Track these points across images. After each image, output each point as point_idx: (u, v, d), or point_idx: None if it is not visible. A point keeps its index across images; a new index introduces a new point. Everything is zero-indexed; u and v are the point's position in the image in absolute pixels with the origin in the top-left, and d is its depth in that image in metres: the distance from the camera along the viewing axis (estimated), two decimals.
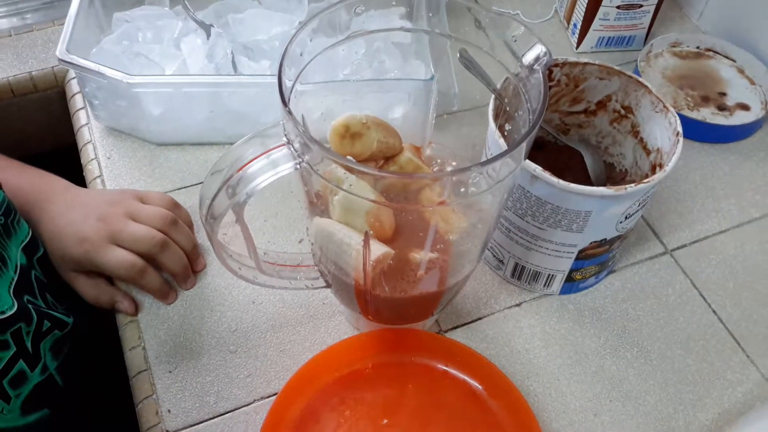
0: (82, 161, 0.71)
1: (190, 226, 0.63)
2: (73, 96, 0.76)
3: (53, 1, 0.86)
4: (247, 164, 0.42)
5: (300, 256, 0.52)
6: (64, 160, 0.76)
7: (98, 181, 0.68)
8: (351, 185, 0.41)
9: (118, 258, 0.57)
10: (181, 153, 0.70)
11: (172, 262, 0.58)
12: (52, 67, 0.77)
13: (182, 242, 0.59)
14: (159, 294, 0.58)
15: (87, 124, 0.73)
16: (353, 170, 0.39)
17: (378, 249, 0.45)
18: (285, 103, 0.39)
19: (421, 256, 0.47)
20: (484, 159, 0.55)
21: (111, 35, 0.69)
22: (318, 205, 0.47)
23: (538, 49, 0.42)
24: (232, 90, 0.64)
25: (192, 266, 0.60)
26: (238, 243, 0.46)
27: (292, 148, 0.40)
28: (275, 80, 0.40)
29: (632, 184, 0.50)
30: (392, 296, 0.50)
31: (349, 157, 0.45)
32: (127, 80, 0.62)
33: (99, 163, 0.69)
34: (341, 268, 0.48)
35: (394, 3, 0.49)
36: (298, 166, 0.41)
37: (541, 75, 0.41)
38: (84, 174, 0.70)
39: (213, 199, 0.41)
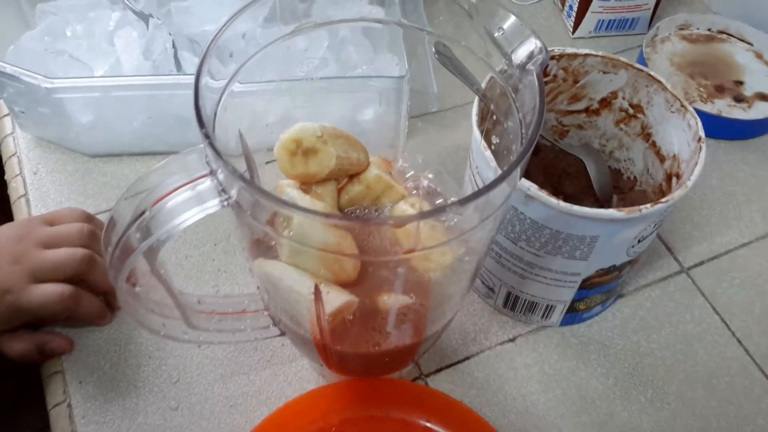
0: (6, 177, 0.61)
1: None
2: None
3: None
4: (162, 198, 0.32)
5: (245, 300, 0.43)
6: None
7: (23, 201, 0.58)
8: (294, 222, 0.32)
9: (46, 293, 0.48)
10: (117, 165, 0.60)
11: (103, 278, 0.49)
12: None
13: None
14: (98, 316, 0.50)
15: (12, 133, 0.63)
16: (298, 213, 0.30)
17: (335, 299, 0.36)
18: (202, 124, 0.30)
19: (391, 301, 0.38)
20: (468, 168, 0.46)
21: (32, 31, 0.59)
22: (264, 243, 0.38)
23: (532, 45, 0.33)
24: (171, 92, 0.54)
25: None
26: (159, 293, 0.37)
27: (216, 181, 0.31)
28: None
29: (647, 205, 0.41)
30: (359, 351, 0.41)
31: (291, 189, 0.36)
32: (45, 84, 0.52)
33: (24, 180, 0.60)
34: (294, 319, 0.39)
35: None
36: (225, 203, 0.32)
37: (536, 77, 0.32)
38: (8, 192, 0.60)
39: (116, 247, 0.32)
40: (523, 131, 0.33)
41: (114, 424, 0.47)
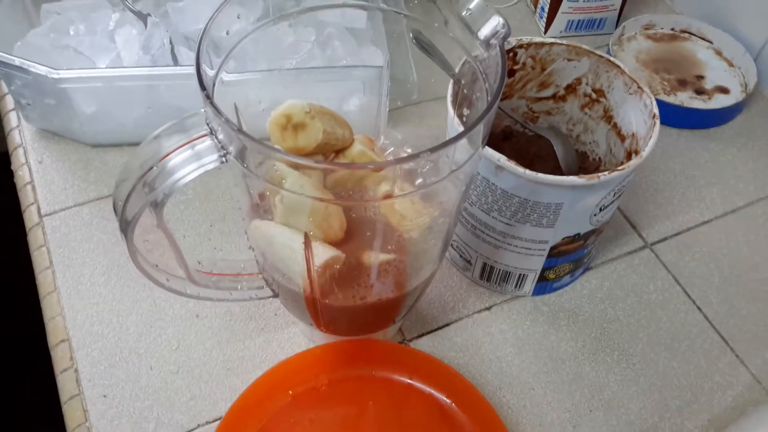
0: (12, 167, 0.65)
1: None
2: (2, 97, 0.70)
3: None
4: (165, 156, 0.36)
5: (241, 264, 0.47)
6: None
7: (29, 188, 0.62)
8: (287, 182, 0.36)
9: None
10: (118, 154, 0.64)
11: None
12: None
13: None
14: None
15: (18, 126, 0.67)
16: (287, 162, 0.34)
17: (324, 253, 0.40)
18: (203, 86, 0.34)
19: (373, 257, 0.42)
20: None
21: (38, 28, 0.63)
22: (261, 206, 0.42)
23: (495, 22, 0.37)
24: (169, 83, 0.58)
25: None
26: (165, 251, 0.41)
27: (215, 140, 0.35)
28: None
29: (605, 173, 0.45)
30: (346, 305, 0.44)
31: (277, 146, 0.40)
32: (52, 75, 0.56)
33: (30, 169, 0.63)
34: (286, 276, 0.43)
35: None
36: (224, 159, 0.35)
37: (498, 50, 0.36)
38: (15, 181, 0.64)
39: (126, 200, 0.36)
40: (488, 99, 0.38)
41: (118, 387, 0.50)
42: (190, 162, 0.35)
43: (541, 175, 0.45)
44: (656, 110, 0.49)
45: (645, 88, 0.50)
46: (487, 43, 0.38)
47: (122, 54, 0.61)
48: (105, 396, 0.50)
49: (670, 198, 0.64)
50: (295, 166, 0.35)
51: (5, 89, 0.70)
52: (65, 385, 0.51)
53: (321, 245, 0.40)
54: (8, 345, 0.61)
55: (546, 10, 0.75)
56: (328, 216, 0.41)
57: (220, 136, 0.35)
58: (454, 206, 0.42)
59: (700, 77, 0.73)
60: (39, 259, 0.58)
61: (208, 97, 0.33)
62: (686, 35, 0.77)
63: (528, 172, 0.45)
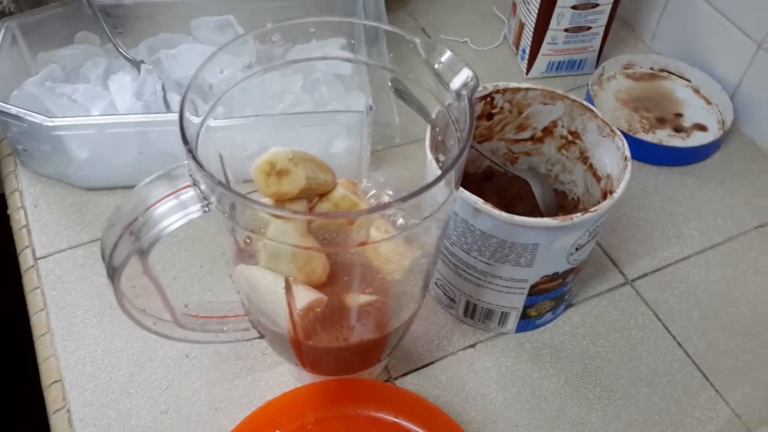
0: (8, 210, 0.67)
1: None
2: (0, 141, 0.72)
3: None
4: (152, 206, 0.38)
5: (228, 306, 0.48)
6: None
7: (24, 231, 0.64)
8: (269, 229, 0.37)
9: None
10: (111, 197, 0.66)
11: None
12: None
13: None
14: None
15: (14, 170, 0.69)
16: (265, 212, 0.36)
17: (306, 296, 0.41)
18: (186, 140, 0.35)
19: (355, 299, 0.44)
20: None
21: (34, 77, 0.65)
22: (246, 251, 0.43)
23: (465, 74, 0.39)
24: (160, 129, 0.60)
25: None
26: (153, 295, 0.42)
27: (198, 190, 0.37)
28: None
29: (578, 214, 0.46)
30: (330, 346, 0.46)
31: (257, 199, 0.42)
32: (46, 123, 0.58)
33: (25, 212, 0.65)
34: (271, 318, 0.44)
35: (312, 30, 0.45)
36: (206, 209, 0.37)
37: (467, 101, 0.38)
38: (11, 224, 0.66)
39: (113, 249, 0.37)
40: (460, 145, 0.39)
41: (109, 427, 0.51)
42: (175, 211, 0.37)
43: (516, 217, 0.46)
44: (628, 153, 0.51)
45: (617, 131, 0.52)
46: (457, 94, 0.40)
47: (116, 100, 0.63)
48: None
49: (650, 234, 0.66)
50: (273, 216, 0.36)
51: (0, 135, 0.72)
52: (57, 425, 0.52)
53: (303, 288, 0.42)
54: (2, 384, 0.62)
55: (527, 52, 0.77)
56: (311, 260, 0.43)
57: (203, 187, 0.36)
58: (434, 246, 0.44)
59: (679, 115, 0.75)
60: (33, 300, 0.59)
61: (191, 152, 0.35)
62: (665, 74, 0.79)
63: (504, 214, 0.47)
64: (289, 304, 0.41)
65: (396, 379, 0.55)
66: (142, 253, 0.38)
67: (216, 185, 0.34)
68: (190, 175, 0.37)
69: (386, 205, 0.33)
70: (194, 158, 0.34)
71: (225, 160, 0.45)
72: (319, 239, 0.45)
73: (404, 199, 0.34)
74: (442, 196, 0.37)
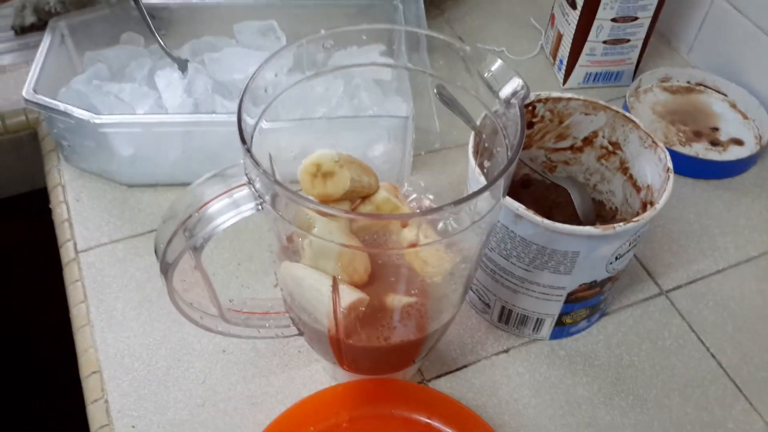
0: (51, 204, 0.68)
1: None
2: (44, 138, 0.73)
3: (29, 43, 0.84)
4: (206, 204, 0.39)
5: (269, 303, 0.49)
6: (38, 203, 0.73)
7: (66, 225, 0.65)
8: (316, 228, 0.38)
9: None
10: (152, 194, 0.67)
11: None
12: (24, 109, 0.75)
13: None
14: None
15: (57, 165, 0.70)
16: (318, 211, 0.36)
17: (350, 295, 0.42)
18: (244, 140, 0.36)
19: (397, 300, 0.44)
20: (466, 192, 0.53)
21: (81, 75, 0.67)
22: (290, 248, 0.44)
23: (515, 83, 0.40)
24: (205, 129, 0.61)
25: None
26: (199, 290, 0.43)
27: (252, 188, 0.38)
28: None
29: (621, 223, 0.47)
30: (369, 345, 0.46)
31: (309, 196, 0.43)
32: (93, 120, 0.59)
33: (68, 206, 0.66)
34: (312, 316, 0.45)
35: (364, 38, 0.46)
36: (260, 207, 0.38)
37: (518, 109, 0.39)
38: (53, 218, 0.67)
39: (168, 244, 0.38)
40: (508, 153, 0.40)
41: (146, 418, 0.52)
42: (228, 209, 0.38)
43: (558, 225, 0.47)
44: (670, 164, 0.51)
45: (659, 142, 0.52)
46: (507, 102, 0.40)
47: (164, 96, 0.65)
48: (134, 427, 0.52)
49: (685, 246, 0.66)
50: (324, 215, 0.37)
51: (45, 131, 0.73)
52: (95, 415, 0.53)
53: (347, 287, 0.43)
54: (40, 375, 0.63)
55: (565, 62, 0.78)
56: (354, 260, 0.44)
57: (257, 185, 0.37)
58: (475, 253, 0.44)
59: (715, 129, 0.75)
60: (74, 292, 0.60)
61: (249, 151, 0.36)
62: (701, 88, 0.79)
63: (545, 221, 0.47)
64: (334, 302, 0.41)
65: (429, 381, 0.56)
66: (195, 250, 0.39)
67: (273, 183, 0.35)
68: (246, 174, 0.38)
69: (438, 209, 0.34)
70: (252, 157, 0.35)
71: (274, 161, 0.46)
72: (360, 240, 0.45)
73: (456, 203, 0.34)
74: (487, 204, 0.37)
